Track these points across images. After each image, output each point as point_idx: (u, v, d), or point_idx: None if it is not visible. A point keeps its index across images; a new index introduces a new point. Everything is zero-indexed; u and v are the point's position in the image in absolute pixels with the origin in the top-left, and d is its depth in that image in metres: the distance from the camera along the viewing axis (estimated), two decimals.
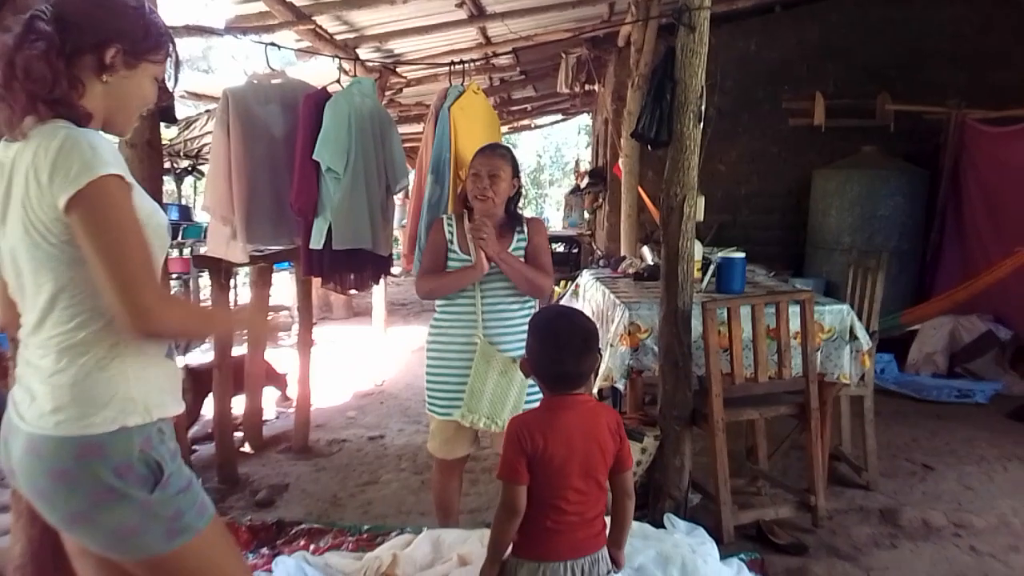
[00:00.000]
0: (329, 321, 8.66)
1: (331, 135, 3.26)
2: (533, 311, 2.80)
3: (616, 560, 1.95)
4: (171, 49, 1.58)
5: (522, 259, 2.74)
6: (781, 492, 3.47)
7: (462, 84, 3.55)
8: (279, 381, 5.13)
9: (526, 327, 2.47)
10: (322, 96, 3.39)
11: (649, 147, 3.29)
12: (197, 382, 4.03)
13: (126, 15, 1.48)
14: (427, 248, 2.86)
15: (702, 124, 3.16)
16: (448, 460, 2.87)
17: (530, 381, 2.78)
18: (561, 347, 1.89)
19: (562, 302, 4.91)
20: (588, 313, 4.33)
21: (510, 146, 2.86)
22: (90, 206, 1.34)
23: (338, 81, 3.57)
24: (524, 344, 2.35)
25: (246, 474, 3.90)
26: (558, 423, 1.86)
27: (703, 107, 3.14)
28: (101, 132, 1.48)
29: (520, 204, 2.89)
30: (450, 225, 2.82)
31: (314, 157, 3.25)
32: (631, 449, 3.13)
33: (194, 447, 4.26)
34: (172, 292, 1.59)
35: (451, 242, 2.78)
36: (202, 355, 6.07)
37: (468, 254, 2.73)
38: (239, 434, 4.38)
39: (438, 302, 2.82)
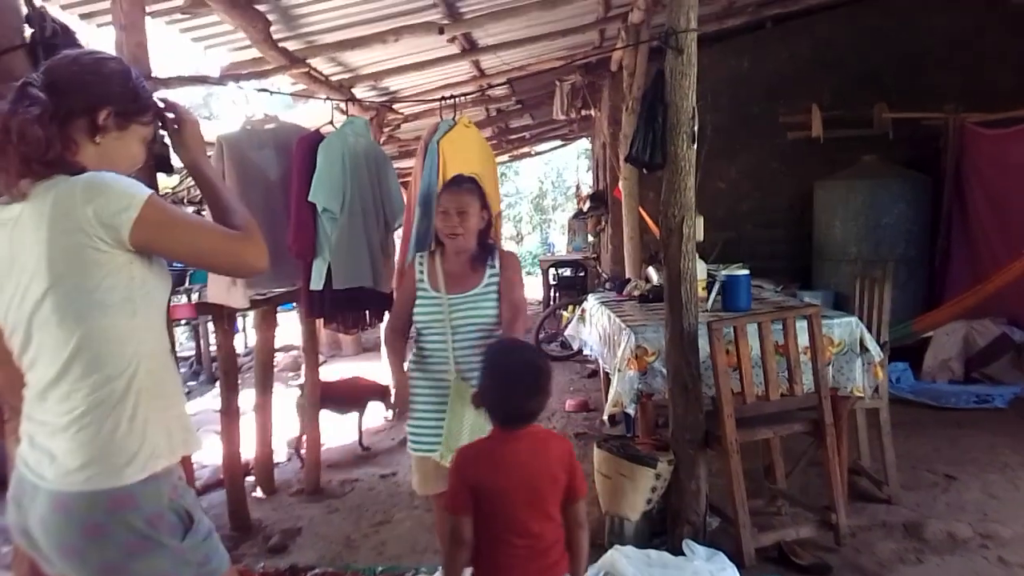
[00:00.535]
0: (339, 358, 8.65)
1: (325, 176, 3.27)
2: None
3: None
4: (155, 111, 1.65)
5: (497, 292, 2.68)
6: (801, 511, 3.41)
7: (454, 118, 3.57)
8: (384, 394, 5.23)
9: None
10: (315, 138, 3.41)
11: (644, 170, 3.28)
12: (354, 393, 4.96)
13: (114, 80, 1.54)
14: (398, 292, 2.83)
15: (695, 144, 3.15)
16: (434, 496, 2.83)
17: None
18: (512, 384, 1.90)
19: (570, 327, 4.88)
20: (595, 338, 4.31)
21: (474, 178, 2.79)
22: (158, 218, 1.44)
23: (331, 122, 3.59)
24: None
25: (258, 519, 3.86)
26: (503, 454, 1.86)
27: (695, 127, 3.13)
28: None
29: (491, 234, 2.83)
30: (421, 264, 2.78)
31: (309, 199, 3.26)
32: (645, 475, 3.14)
33: (203, 493, 4.22)
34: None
35: (421, 280, 2.73)
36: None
37: (437, 290, 2.68)
38: (251, 478, 4.35)
39: (414, 340, 2.80)
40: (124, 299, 1.45)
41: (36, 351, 1.46)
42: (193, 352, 8.71)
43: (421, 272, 2.75)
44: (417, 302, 2.73)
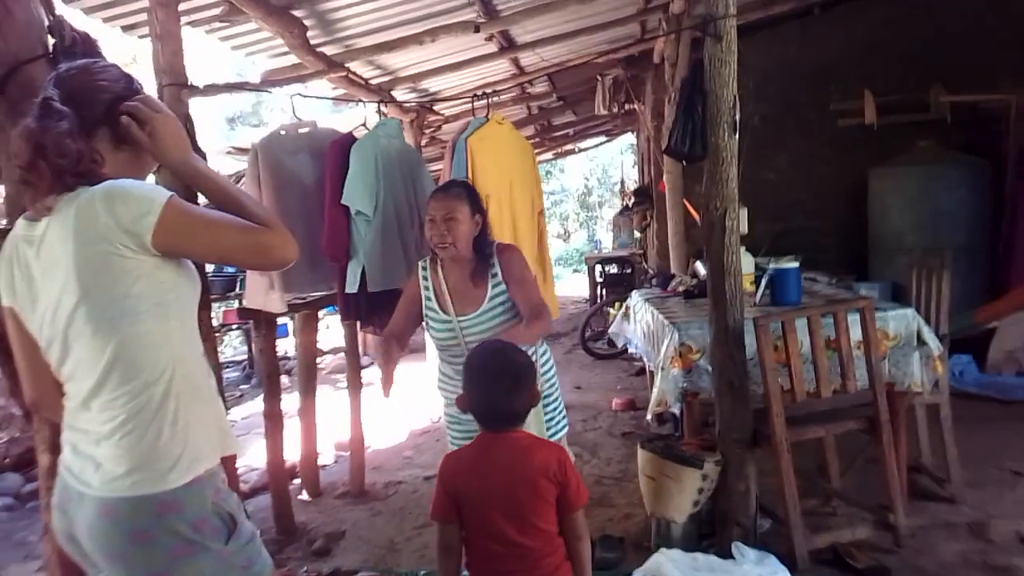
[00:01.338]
0: None
1: (358, 178, 3.26)
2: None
3: None
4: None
5: (504, 301, 2.56)
6: (857, 511, 3.27)
7: (487, 115, 3.52)
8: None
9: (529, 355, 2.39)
10: (348, 140, 3.40)
11: (683, 162, 3.19)
12: None
13: (124, 84, 1.55)
14: (402, 297, 2.71)
15: (737, 134, 3.05)
16: None
17: (548, 407, 2.71)
18: (491, 385, 1.87)
19: (614, 325, 4.80)
20: (639, 335, 4.22)
21: (466, 181, 2.68)
22: (180, 220, 1.43)
23: (364, 124, 3.58)
24: None
25: (303, 523, 3.88)
26: (482, 462, 1.84)
27: (737, 116, 3.03)
28: None
29: (488, 235, 2.66)
30: (425, 275, 2.66)
31: (342, 202, 3.25)
32: (692, 476, 3.04)
33: (250, 497, 4.26)
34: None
35: (428, 299, 2.63)
36: None
37: (447, 312, 2.57)
38: (297, 481, 4.39)
39: (434, 353, 2.72)
40: (155, 304, 1.45)
41: (74, 362, 1.47)
42: (245, 356, 8.86)
43: (427, 288, 2.65)
44: (429, 322, 2.63)
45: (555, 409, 2.80)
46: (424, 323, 2.70)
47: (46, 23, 1.89)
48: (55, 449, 1.90)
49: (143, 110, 1.54)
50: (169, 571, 1.42)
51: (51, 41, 1.89)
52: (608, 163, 19.99)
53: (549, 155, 13.42)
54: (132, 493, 1.41)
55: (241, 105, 16.48)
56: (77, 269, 1.40)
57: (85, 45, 1.91)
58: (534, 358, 2.69)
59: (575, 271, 17.39)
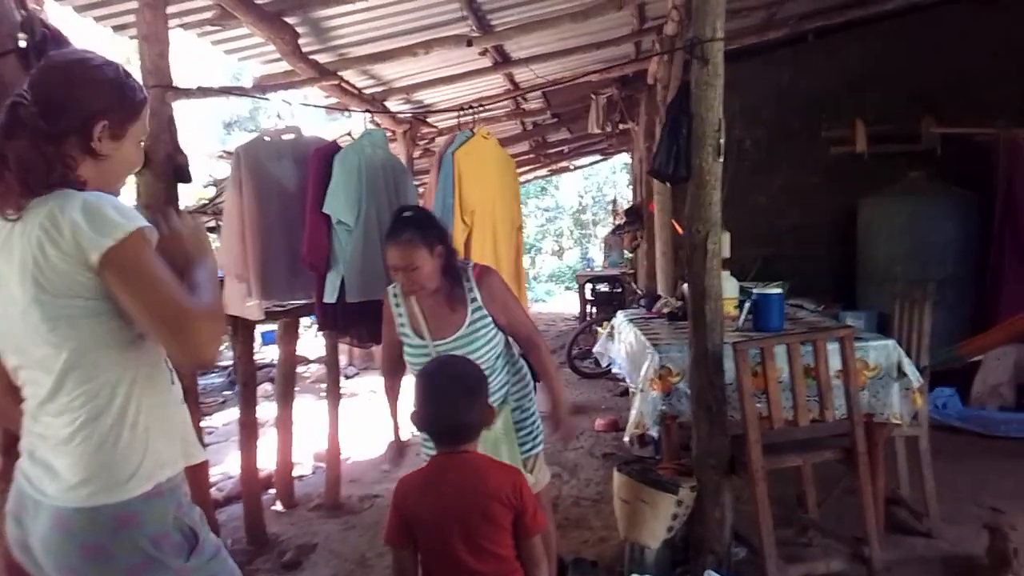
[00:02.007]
0: (371, 371, 8.64)
1: (340, 187, 3.24)
2: (509, 358, 2.68)
3: None
4: (146, 104, 1.56)
5: (486, 326, 2.51)
6: (833, 543, 3.24)
7: (472, 129, 3.51)
8: None
9: (506, 374, 2.47)
10: (331, 149, 3.39)
11: (667, 183, 3.18)
12: None
13: (106, 89, 1.46)
14: (384, 324, 2.66)
15: (722, 158, 3.04)
16: None
17: (524, 422, 2.68)
18: (441, 400, 1.84)
19: (599, 344, 4.77)
20: (623, 356, 4.19)
21: (418, 214, 2.52)
22: (124, 259, 1.34)
23: (349, 133, 3.57)
24: (502, 397, 2.37)
25: (275, 534, 3.83)
26: (435, 484, 1.80)
27: (722, 140, 3.02)
28: None
29: (455, 258, 2.57)
30: (397, 302, 2.58)
31: (324, 210, 3.23)
32: (666, 502, 3.01)
33: (224, 505, 4.21)
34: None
35: (402, 325, 2.56)
36: None
37: (421, 336, 2.51)
38: (273, 491, 4.33)
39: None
40: (116, 308, 1.39)
41: (31, 363, 1.43)
42: (231, 362, 8.79)
43: (400, 313, 2.57)
44: (405, 347, 2.56)
45: (532, 423, 2.76)
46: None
47: (18, 18, 1.86)
48: (8, 452, 1.87)
49: (176, 221, 1.55)
50: None
51: (22, 37, 1.86)
52: (603, 181, 20.04)
53: (544, 171, 13.43)
54: (88, 504, 1.37)
55: (238, 110, 16.47)
56: (35, 272, 1.36)
57: (57, 42, 1.88)
58: (514, 369, 2.67)
59: (567, 288, 17.37)
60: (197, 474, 1.58)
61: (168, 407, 1.50)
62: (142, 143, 1.56)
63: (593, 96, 7.19)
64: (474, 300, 2.51)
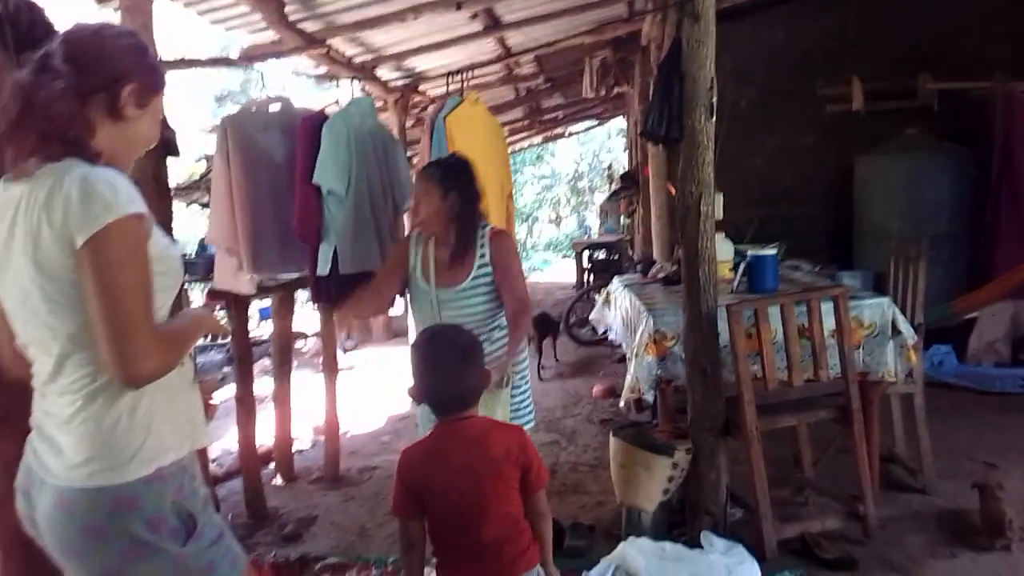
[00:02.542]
0: (369, 344, 8.65)
1: (329, 157, 3.19)
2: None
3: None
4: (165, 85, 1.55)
5: (488, 283, 2.60)
6: (828, 501, 3.26)
7: (461, 94, 3.46)
8: None
9: (499, 342, 2.47)
10: (319, 118, 3.34)
11: (660, 145, 3.15)
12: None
13: (134, 54, 1.46)
14: (390, 255, 2.80)
15: (714, 117, 3.00)
16: None
17: (515, 399, 2.69)
18: (438, 370, 1.84)
19: (595, 311, 4.77)
20: (618, 322, 4.19)
21: (445, 159, 2.69)
22: (102, 248, 1.30)
23: (336, 102, 3.52)
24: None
25: (275, 507, 3.84)
26: (440, 453, 1.80)
27: (714, 99, 2.98)
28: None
29: (475, 218, 2.66)
30: (416, 245, 2.70)
31: (313, 181, 3.19)
32: (662, 464, 3.02)
33: (224, 480, 4.23)
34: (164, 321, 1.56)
35: (414, 266, 2.67)
36: None
37: (427, 281, 2.62)
38: (272, 465, 4.35)
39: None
40: None
41: (34, 344, 1.43)
42: (230, 338, 8.79)
43: (416, 254, 2.66)
44: (411, 290, 2.66)
45: (522, 402, 2.77)
46: (408, 295, 2.74)
47: None
48: None
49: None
50: (120, 570, 1.38)
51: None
52: (599, 147, 19.88)
53: (539, 138, 13.33)
54: (89, 484, 1.36)
55: (228, 83, 16.28)
56: (35, 247, 1.34)
57: (32, 14, 1.84)
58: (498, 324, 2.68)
59: (564, 256, 17.33)
60: (198, 452, 1.57)
61: (174, 391, 1.48)
62: (158, 120, 1.54)
63: (587, 59, 7.10)
64: (483, 257, 2.60)
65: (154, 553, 1.38)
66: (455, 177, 2.59)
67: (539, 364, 6.39)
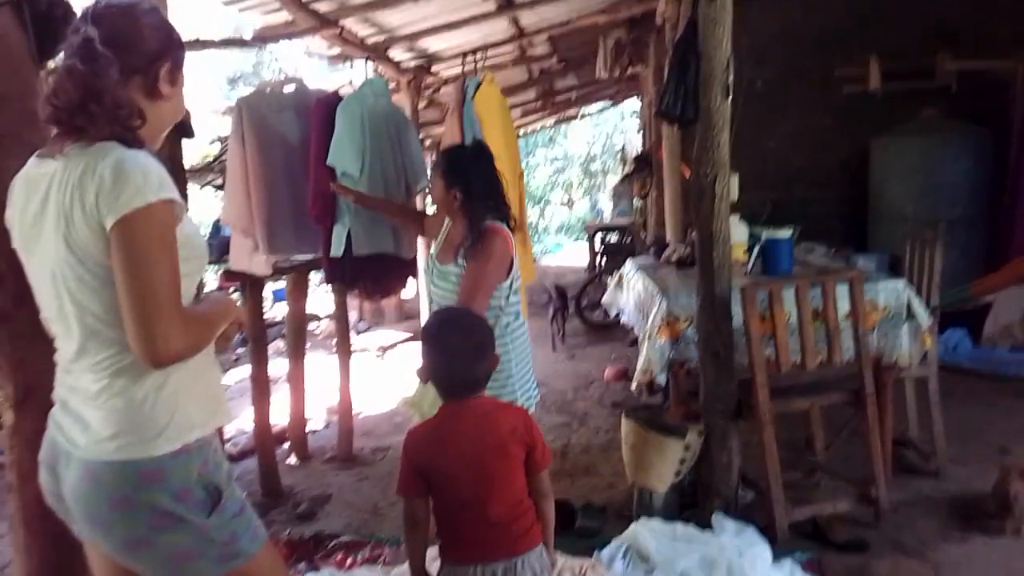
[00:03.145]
0: (382, 326, 8.68)
1: (344, 139, 3.18)
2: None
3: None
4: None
5: (457, 277, 2.61)
6: (840, 484, 3.26)
7: (476, 75, 3.44)
8: None
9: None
10: (334, 99, 3.33)
11: (675, 125, 3.13)
12: None
13: (165, 31, 1.47)
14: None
15: (730, 98, 2.97)
16: None
17: (511, 371, 2.68)
18: (452, 354, 1.85)
19: (608, 294, 4.76)
20: (631, 304, 4.18)
21: (447, 149, 2.82)
22: (132, 231, 1.31)
23: (350, 82, 3.51)
24: None
25: (289, 486, 3.88)
26: (449, 433, 1.81)
27: (730, 79, 2.95)
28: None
29: (485, 218, 2.60)
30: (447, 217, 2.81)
31: (328, 163, 3.19)
32: (674, 446, 3.03)
33: (239, 460, 4.27)
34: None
35: (437, 233, 2.81)
36: None
37: (431, 249, 2.78)
38: (287, 445, 4.39)
39: None
40: None
41: (58, 321, 1.44)
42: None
43: (445, 223, 2.78)
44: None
45: (522, 378, 2.73)
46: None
47: None
48: (19, 407, 1.89)
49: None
50: (147, 540, 1.40)
51: None
52: (612, 130, 19.73)
53: (551, 120, 13.25)
54: (117, 457, 1.39)
55: (242, 65, 16.27)
56: (67, 230, 1.35)
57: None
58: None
59: (576, 239, 17.27)
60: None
61: (198, 369, 1.50)
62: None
63: (601, 39, 7.04)
64: (469, 249, 2.61)
65: (179, 523, 1.40)
66: (456, 170, 2.62)
67: (561, 335, 6.94)
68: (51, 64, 1.40)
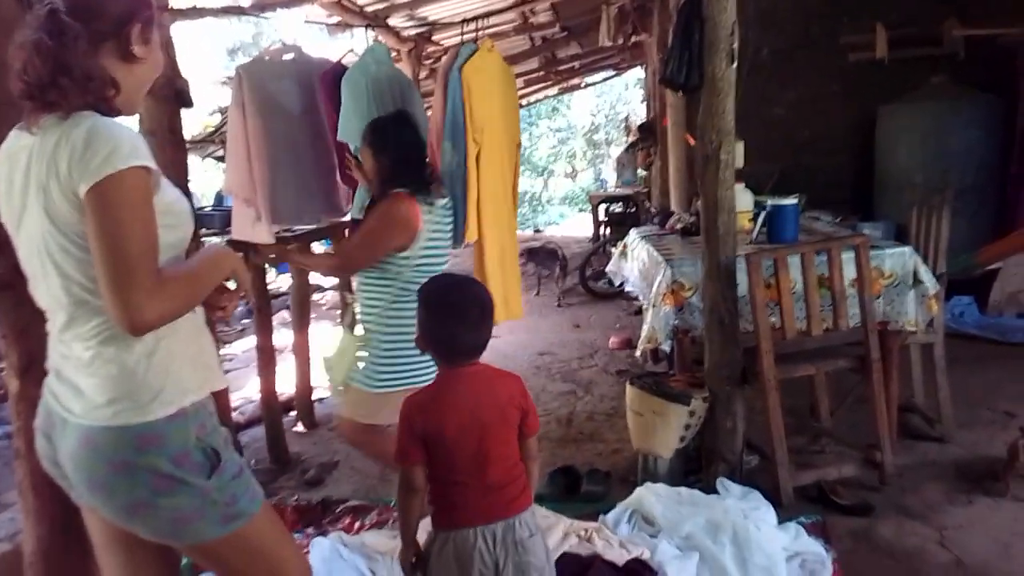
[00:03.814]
0: None
1: (351, 113, 3.14)
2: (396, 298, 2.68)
3: None
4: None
5: None
6: (845, 449, 3.27)
7: (475, 41, 3.39)
8: None
9: (374, 301, 2.65)
10: (338, 70, 3.30)
11: (679, 92, 3.10)
12: None
13: None
14: None
15: (735, 64, 2.94)
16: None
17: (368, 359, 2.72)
18: (456, 319, 1.83)
19: (612, 263, 4.75)
20: (635, 273, 4.17)
21: (381, 121, 2.79)
22: (104, 199, 1.29)
23: (351, 50, 3.47)
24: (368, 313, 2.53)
25: (297, 453, 3.92)
26: (449, 399, 1.81)
27: (735, 45, 2.91)
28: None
29: (388, 187, 2.68)
30: None
31: (339, 139, 3.17)
32: (678, 412, 3.04)
33: (246, 428, 4.30)
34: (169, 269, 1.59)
35: None
36: None
37: None
38: (293, 413, 4.42)
39: None
40: None
41: (45, 293, 1.44)
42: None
43: None
44: None
45: (379, 363, 2.70)
46: None
47: None
48: (23, 374, 1.90)
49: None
50: (148, 503, 1.42)
51: None
52: (616, 99, 19.55)
53: (554, 90, 13.13)
54: (114, 423, 1.40)
55: (241, 35, 16.14)
56: (46, 202, 1.35)
57: None
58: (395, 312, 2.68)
59: (580, 210, 17.21)
60: (219, 399, 1.60)
61: (188, 335, 1.50)
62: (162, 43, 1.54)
63: (604, 6, 6.94)
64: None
65: (180, 486, 1.42)
66: (371, 139, 2.71)
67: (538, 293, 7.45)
68: (17, 38, 1.35)
